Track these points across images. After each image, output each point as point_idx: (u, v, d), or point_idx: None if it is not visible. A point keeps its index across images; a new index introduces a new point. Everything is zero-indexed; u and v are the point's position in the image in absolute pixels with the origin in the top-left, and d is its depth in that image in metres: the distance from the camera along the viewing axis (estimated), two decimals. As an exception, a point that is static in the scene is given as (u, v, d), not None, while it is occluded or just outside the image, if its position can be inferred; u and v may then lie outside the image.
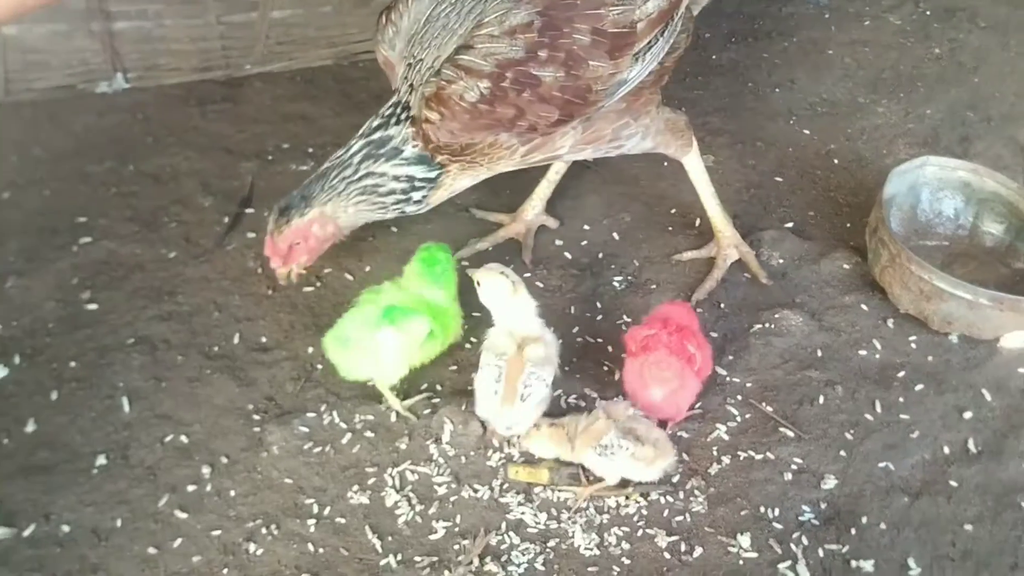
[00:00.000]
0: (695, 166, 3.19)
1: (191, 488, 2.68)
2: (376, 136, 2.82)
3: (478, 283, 2.81)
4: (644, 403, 2.70)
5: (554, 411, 2.78)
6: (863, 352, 2.97)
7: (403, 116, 2.80)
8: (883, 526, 2.55)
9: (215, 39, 4.05)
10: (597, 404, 2.67)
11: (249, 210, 3.51)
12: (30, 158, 3.74)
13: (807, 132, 3.85)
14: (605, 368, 2.94)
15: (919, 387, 2.88)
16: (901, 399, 2.85)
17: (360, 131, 2.86)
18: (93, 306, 3.17)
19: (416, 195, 2.88)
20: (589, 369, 2.93)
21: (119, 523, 2.60)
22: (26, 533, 2.57)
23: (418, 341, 2.78)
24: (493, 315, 2.80)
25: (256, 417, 2.84)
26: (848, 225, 3.43)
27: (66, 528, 2.59)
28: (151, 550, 2.54)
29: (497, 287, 2.77)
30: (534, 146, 2.81)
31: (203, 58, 4.07)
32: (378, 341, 2.73)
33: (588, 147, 2.91)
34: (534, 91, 2.66)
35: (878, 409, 2.82)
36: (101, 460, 2.74)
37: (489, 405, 2.67)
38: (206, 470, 2.71)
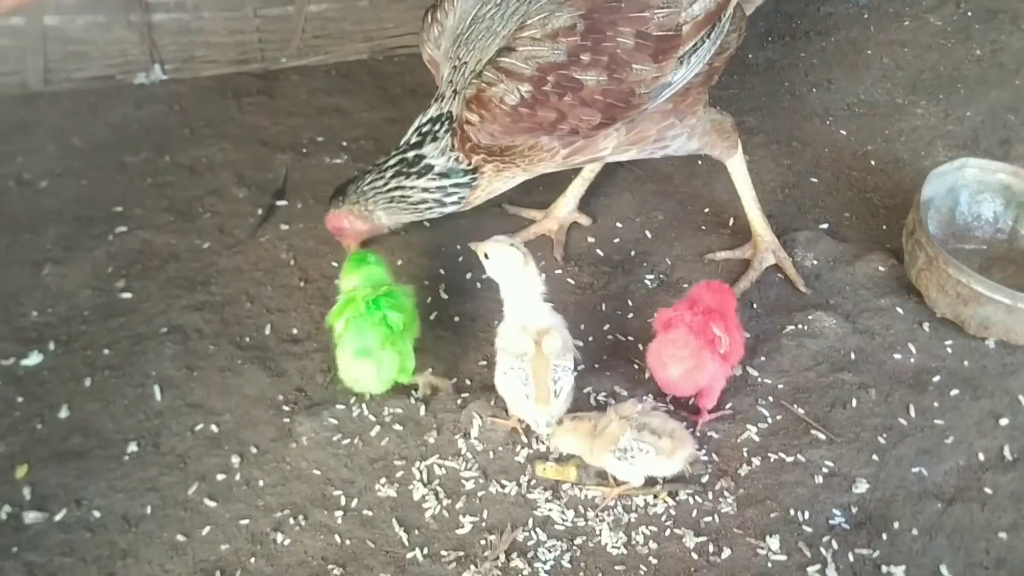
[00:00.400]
0: (739, 168, 3.17)
1: (220, 477, 2.69)
2: (410, 155, 2.88)
3: (485, 256, 2.76)
4: (663, 381, 2.73)
5: (584, 409, 2.76)
6: (898, 356, 2.93)
7: (441, 131, 2.83)
8: (915, 532, 2.52)
9: (252, 32, 4.07)
10: (608, 407, 2.65)
11: (283, 202, 3.53)
12: (68, 148, 3.78)
13: (844, 133, 3.80)
14: (636, 366, 2.92)
15: (954, 392, 2.84)
16: (936, 404, 2.81)
17: (401, 142, 2.93)
18: (128, 295, 3.20)
19: (450, 200, 2.92)
20: (619, 367, 2.92)
21: (149, 510, 2.62)
22: (57, 517, 2.60)
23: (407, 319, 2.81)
24: (502, 293, 2.75)
25: (286, 408, 2.85)
26: (884, 227, 3.39)
27: (97, 514, 2.61)
28: (180, 537, 2.56)
29: (507, 259, 2.72)
30: (576, 148, 2.79)
31: (240, 51, 4.10)
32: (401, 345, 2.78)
33: (632, 148, 2.88)
34: (576, 95, 2.64)
35: (912, 414, 2.78)
36: (132, 447, 2.76)
37: (524, 409, 2.65)
38: (236, 459, 2.73)
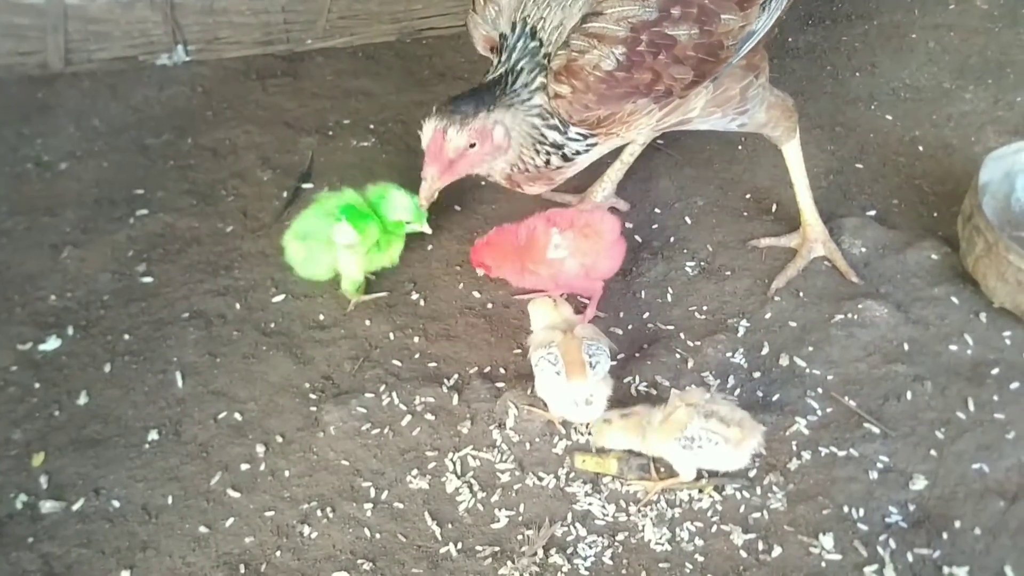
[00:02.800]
0: (795, 154, 3.04)
1: (244, 467, 2.59)
2: (527, 59, 2.62)
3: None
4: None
5: (625, 399, 2.65)
6: (953, 347, 2.79)
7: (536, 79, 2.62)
8: (977, 531, 2.38)
9: (277, 12, 3.96)
10: (672, 394, 2.52)
11: (308, 185, 3.42)
12: (89, 129, 3.69)
13: (889, 118, 3.66)
14: (678, 355, 2.79)
15: (1015, 385, 2.69)
16: (995, 397, 2.66)
17: (506, 51, 2.65)
18: (148, 279, 3.10)
19: (561, 151, 2.69)
20: (661, 356, 2.79)
21: (170, 500, 2.52)
22: (75, 507, 2.50)
23: (368, 243, 2.89)
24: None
25: (312, 396, 2.74)
26: (935, 214, 3.24)
27: (116, 503, 2.51)
28: (202, 529, 2.45)
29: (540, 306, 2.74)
30: (670, 110, 2.67)
31: (264, 32, 3.99)
32: (336, 234, 2.87)
33: (717, 111, 2.77)
34: (669, 52, 2.52)
35: (971, 407, 2.64)
36: (153, 435, 2.66)
37: (559, 394, 2.53)
38: (260, 449, 2.62)
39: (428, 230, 2.99)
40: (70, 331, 2.93)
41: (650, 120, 2.65)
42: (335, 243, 2.87)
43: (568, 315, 2.70)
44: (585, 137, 2.64)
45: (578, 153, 2.67)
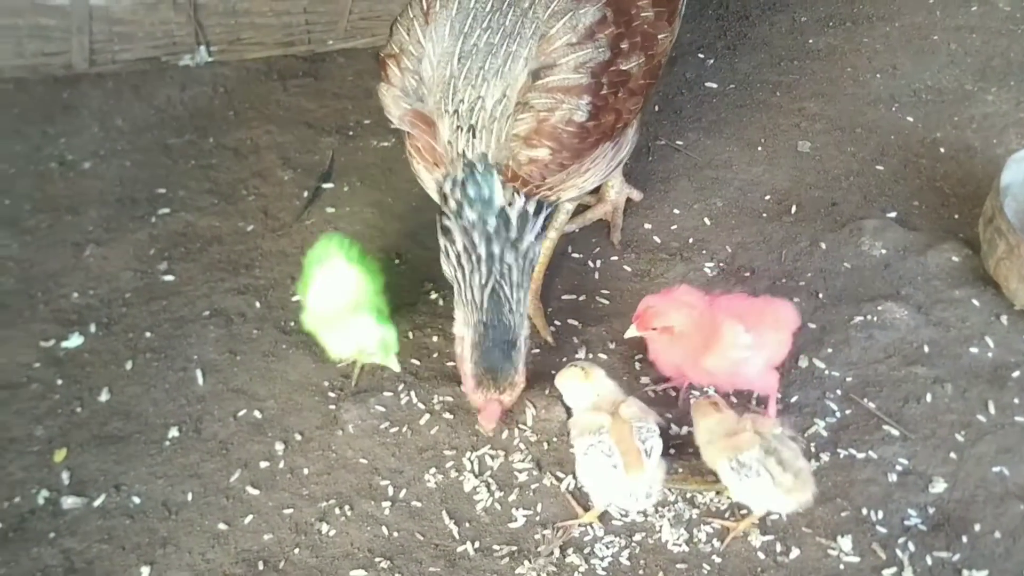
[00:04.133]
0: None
1: (264, 464, 2.60)
2: (494, 219, 2.48)
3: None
4: None
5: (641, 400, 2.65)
6: (974, 349, 2.77)
7: (484, 175, 2.48)
8: (998, 535, 2.36)
9: (299, 14, 3.98)
10: (747, 414, 2.43)
11: (329, 185, 3.43)
12: (112, 129, 3.72)
13: (911, 119, 3.64)
14: (696, 356, 2.79)
15: (1036, 388, 2.68)
16: (1016, 400, 2.65)
17: (465, 229, 2.48)
18: (170, 277, 3.12)
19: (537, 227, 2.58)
20: (679, 357, 2.78)
21: (190, 497, 2.53)
22: (96, 503, 2.53)
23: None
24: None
25: (331, 395, 2.76)
26: (956, 216, 3.22)
27: (137, 500, 2.53)
28: (222, 526, 2.47)
29: (569, 379, 2.53)
30: (619, 144, 2.68)
31: (286, 33, 4.01)
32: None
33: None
34: (625, 87, 2.51)
35: (991, 410, 2.62)
36: (174, 432, 2.68)
37: (615, 485, 2.34)
38: (279, 447, 2.63)
39: (396, 367, 2.69)
40: (92, 328, 2.96)
41: (607, 162, 2.63)
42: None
43: (605, 388, 2.49)
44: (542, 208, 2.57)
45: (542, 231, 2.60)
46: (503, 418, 2.57)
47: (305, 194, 3.40)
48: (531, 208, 2.52)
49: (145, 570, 2.39)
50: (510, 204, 2.49)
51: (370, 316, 2.63)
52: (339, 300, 2.65)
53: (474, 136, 2.46)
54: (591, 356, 2.80)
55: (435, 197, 2.60)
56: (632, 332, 2.57)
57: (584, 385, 2.48)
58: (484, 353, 2.45)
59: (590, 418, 2.42)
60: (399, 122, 2.62)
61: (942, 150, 3.49)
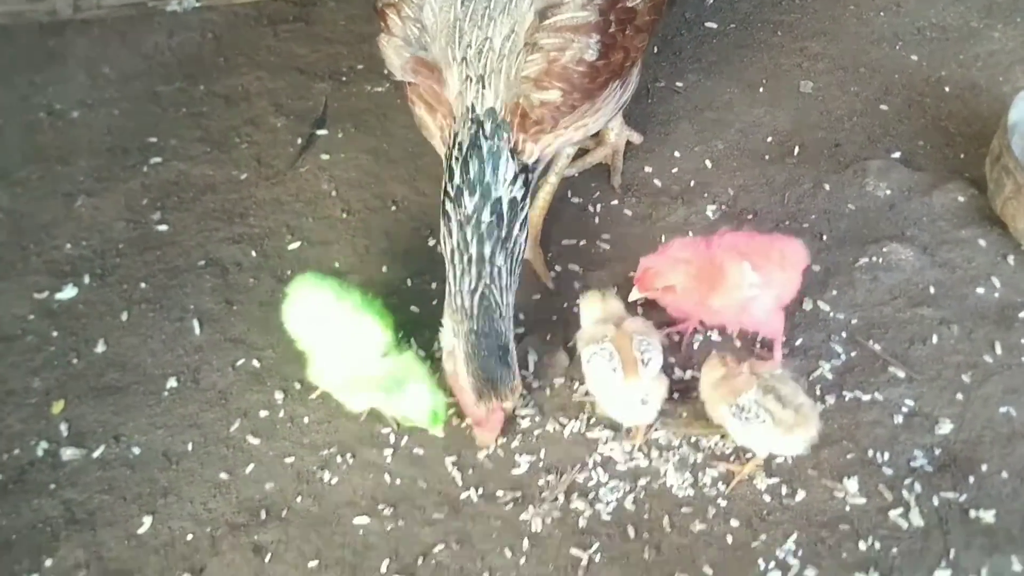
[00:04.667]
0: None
1: (263, 414, 2.58)
2: (488, 214, 2.40)
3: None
4: None
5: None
6: (980, 290, 2.74)
7: (490, 147, 2.41)
8: (1005, 475, 2.35)
9: (288, -44, 3.88)
10: (749, 361, 2.40)
11: (322, 131, 3.37)
12: (99, 77, 3.64)
13: (915, 58, 3.57)
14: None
15: (1043, 329, 2.65)
16: (1023, 340, 2.62)
17: (460, 221, 2.41)
18: (164, 227, 3.07)
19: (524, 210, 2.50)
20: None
21: (190, 447, 2.51)
22: (96, 454, 2.51)
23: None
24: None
25: (331, 343, 2.72)
26: (962, 156, 3.17)
27: (136, 450, 2.51)
28: (223, 475, 2.45)
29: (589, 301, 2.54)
30: (627, 84, 2.63)
31: (275, -24, 3.91)
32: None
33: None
34: (632, 24, 2.46)
35: (998, 351, 2.60)
36: (172, 383, 2.65)
37: (614, 393, 2.36)
38: (279, 395, 2.61)
39: (441, 433, 2.51)
40: (86, 280, 2.91)
41: (615, 102, 2.59)
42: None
43: (616, 309, 2.50)
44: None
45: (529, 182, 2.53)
46: (505, 428, 2.49)
47: (299, 141, 3.33)
48: (519, 187, 2.44)
49: (147, 520, 2.38)
50: (509, 184, 2.42)
51: (421, 384, 2.43)
52: (373, 365, 2.43)
53: (484, 87, 2.40)
54: (593, 301, 2.77)
55: (438, 148, 2.54)
56: (635, 295, 2.54)
57: (599, 307, 2.50)
58: (481, 364, 2.36)
59: (596, 328, 2.44)
60: (401, 73, 2.55)
61: (947, 89, 3.43)
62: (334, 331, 2.45)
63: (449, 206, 2.43)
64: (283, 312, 2.52)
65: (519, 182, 2.44)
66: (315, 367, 2.49)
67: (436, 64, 2.46)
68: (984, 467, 2.36)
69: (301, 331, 2.51)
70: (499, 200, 2.40)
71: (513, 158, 2.43)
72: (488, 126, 2.41)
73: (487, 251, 2.38)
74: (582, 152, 3.13)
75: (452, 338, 2.41)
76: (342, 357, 2.44)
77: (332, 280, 2.54)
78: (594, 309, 2.51)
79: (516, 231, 2.44)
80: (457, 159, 2.42)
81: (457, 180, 2.42)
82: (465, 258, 2.39)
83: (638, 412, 2.37)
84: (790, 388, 2.30)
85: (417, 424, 2.46)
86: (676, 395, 2.51)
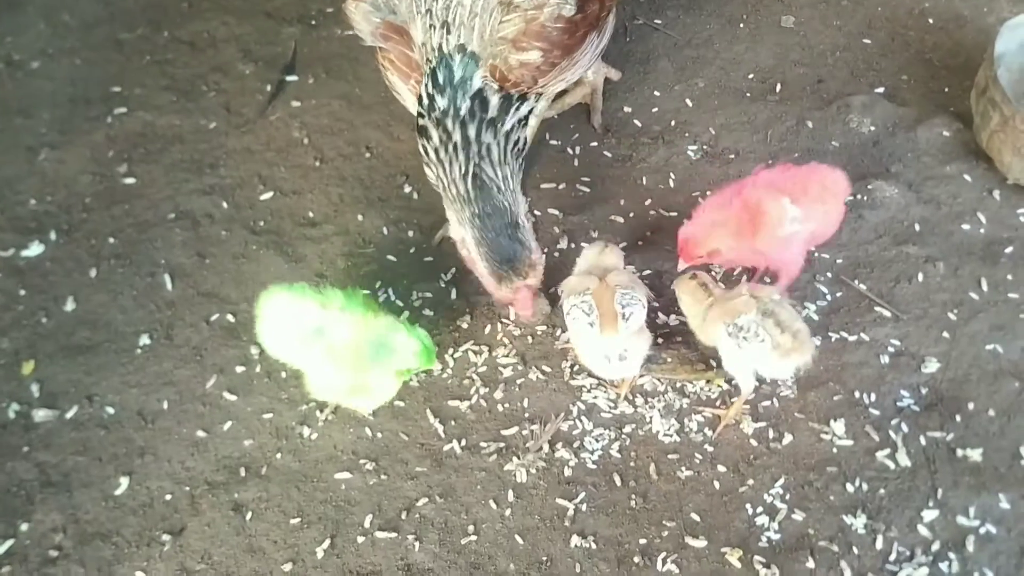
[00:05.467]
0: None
1: (240, 369, 2.52)
2: (467, 103, 2.31)
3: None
4: None
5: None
6: (966, 226, 2.70)
7: (460, 63, 2.33)
8: (992, 413, 2.33)
9: None
10: (743, 282, 2.38)
11: (292, 77, 3.27)
12: (59, 25, 3.51)
13: (898, -10, 3.50)
14: (682, 242, 2.70)
15: (1029, 264, 2.62)
16: (1009, 276, 2.59)
17: (438, 120, 2.32)
18: (131, 180, 2.98)
19: (518, 108, 2.42)
20: (664, 243, 2.68)
21: (165, 405, 2.46)
22: (69, 415, 2.45)
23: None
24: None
25: (306, 295, 2.66)
26: (946, 89, 3.11)
27: (110, 410, 2.45)
28: (200, 433, 2.40)
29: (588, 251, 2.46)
30: (603, 33, 2.56)
31: (238, -84, 3.77)
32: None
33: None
34: None
35: (984, 287, 2.56)
36: (144, 340, 2.59)
37: (592, 346, 2.28)
38: (255, 351, 2.55)
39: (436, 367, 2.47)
40: (52, 236, 2.83)
41: (593, 51, 2.51)
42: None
43: (612, 262, 2.40)
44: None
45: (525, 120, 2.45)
46: (534, 300, 2.40)
47: (268, 88, 3.23)
48: (498, 98, 2.36)
49: (124, 480, 2.33)
50: (490, 89, 2.34)
51: (401, 333, 2.29)
52: (352, 351, 2.25)
53: (448, 32, 2.32)
54: (573, 246, 2.71)
55: (411, 108, 2.46)
56: (682, 266, 2.47)
57: (594, 258, 2.41)
58: (491, 245, 2.29)
59: (579, 280, 2.35)
60: (371, 38, 2.47)
61: (931, 21, 3.36)
62: (323, 344, 2.25)
63: (423, 120, 2.36)
64: (258, 331, 2.32)
65: (498, 95, 2.35)
66: (314, 384, 2.33)
67: (406, 27, 2.38)
68: (971, 405, 2.34)
69: (284, 352, 2.33)
70: (479, 92, 2.32)
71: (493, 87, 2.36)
72: (458, 57, 2.33)
73: (471, 132, 2.31)
74: (560, 93, 3.04)
75: (459, 228, 2.34)
76: (337, 368, 2.27)
77: (304, 288, 2.30)
78: (588, 258, 2.43)
79: (510, 119, 2.35)
80: (425, 84, 2.35)
81: (426, 94, 2.34)
82: (450, 147, 2.31)
83: (616, 367, 2.29)
84: (788, 313, 2.26)
85: (419, 368, 2.37)
86: (660, 340, 2.46)
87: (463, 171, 2.29)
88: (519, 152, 2.40)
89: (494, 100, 2.33)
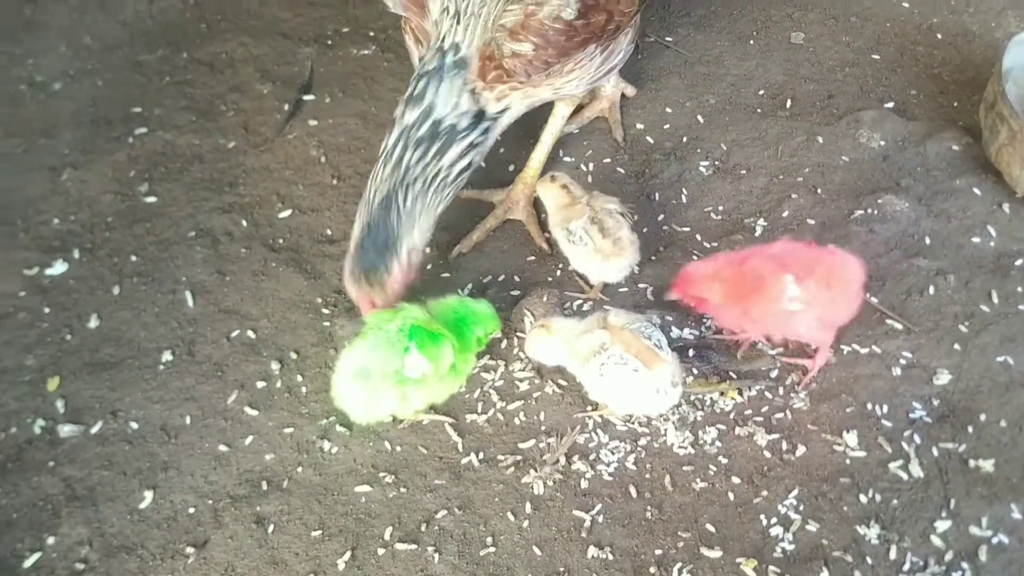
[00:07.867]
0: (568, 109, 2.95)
1: (260, 384, 2.56)
2: (425, 128, 2.39)
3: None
4: None
5: (641, 303, 2.62)
6: (976, 239, 2.73)
7: (446, 75, 2.40)
8: (1003, 424, 2.35)
9: (267, -83, 3.81)
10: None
11: (310, 96, 3.32)
12: (80, 47, 3.58)
13: (906, 6, 3.53)
14: (695, 257, 2.73)
15: (1039, 276, 2.64)
16: (1019, 289, 2.61)
17: (399, 128, 2.41)
18: (152, 199, 3.04)
19: (477, 156, 2.49)
20: (677, 259, 2.73)
21: (188, 420, 2.50)
22: (94, 430, 2.49)
23: (443, 369, 2.35)
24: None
25: (325, 311, 2.71)
26: (955, 104, 3.15)
27: (134, 425, 2.50)
28: (222, 448, 2.44)
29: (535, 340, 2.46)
30: (609, 50, 2.59)
31: (255, -62, 3.84)
32: (407, 368, 2.32)
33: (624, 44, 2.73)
34: None
35: (995, 300, 2.59)
36: (167, 356, 2.63)
37: (642, 388, 2.29)
38: (275, 366, 2.59)
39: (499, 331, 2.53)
40: (76, 254, 2.88)
41: (594, 66, 2.56)
42: (404, 377, 2.32)
43: (564, 328, 2.40)
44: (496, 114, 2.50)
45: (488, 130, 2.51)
46: (372, 311, 2.46)
47: (285, 107, 3.29)
48: (467, 121, 2.43)
49: (148, 494, 2.37)
50: (454, 110, 2.41)
51: (467, 301, 2.47)
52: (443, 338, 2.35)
53: (458, 23, 2.40)
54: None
55: None
56: (673, 296, 2.50)
57: (551, 340, 2.40)
58: (361, 250, 2.41)
59: (586, 342, 2.34)
60: (393, 5, 2.57)
61: (939, 36, 3.40)
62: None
63: (398, 112, 2.45)
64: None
65: (468, 117, 2.43)
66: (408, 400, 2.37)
67: (424, 1, 2.48)
68: (983, 417, 2.36)
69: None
70: (440, 120, 2.40)
71: (471, 96, 2.42)
72: (449, 57, 2.40)
73: (408, 158, 2.40)
74: (578, 109, 3.10)
75: (355, 223, 2.46)
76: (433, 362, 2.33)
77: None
78: (545, 346, 2.42)
79: (449, 157, 2.42)
80: (417, 77, 2.44)
81: (407, 93, 2.44)
82: (389, 159, 2.41)
83: (672, 394, 2.32)
84: (614, 221, 2.57)
85: (493, 331, 2.48)
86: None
87: (378, 184, 2.40)
88: (455, 182, 2.47)
89: (444, 130, 2.40)
